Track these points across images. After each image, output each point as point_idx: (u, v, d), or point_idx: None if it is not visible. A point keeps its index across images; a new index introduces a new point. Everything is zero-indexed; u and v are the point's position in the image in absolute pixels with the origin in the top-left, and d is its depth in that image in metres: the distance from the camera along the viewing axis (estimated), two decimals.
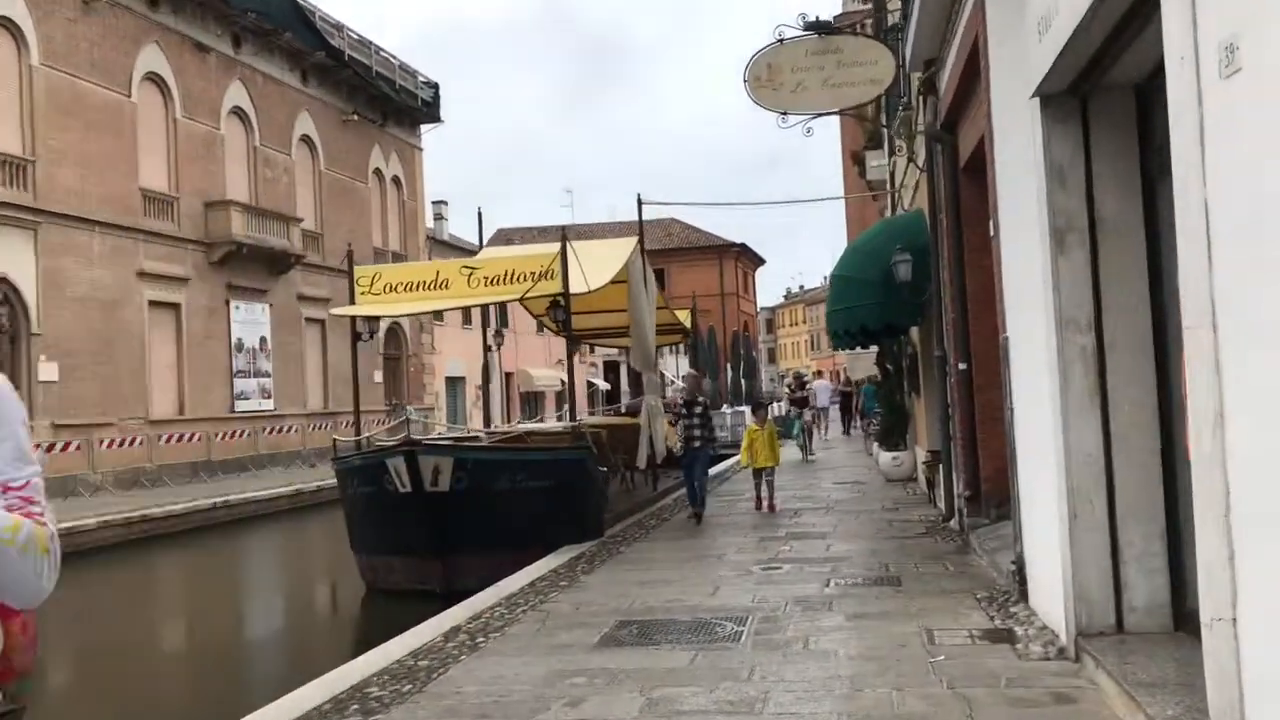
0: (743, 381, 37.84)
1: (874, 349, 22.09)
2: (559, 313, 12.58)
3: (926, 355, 14.96)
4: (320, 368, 34.26)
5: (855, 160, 34.61)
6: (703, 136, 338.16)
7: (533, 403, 52.78)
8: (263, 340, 31.27)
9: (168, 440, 26.33)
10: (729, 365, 39.29)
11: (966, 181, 10.80)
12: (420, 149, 42.38)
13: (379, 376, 38.01)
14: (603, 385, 61.60)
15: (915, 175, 14.33)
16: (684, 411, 12.91)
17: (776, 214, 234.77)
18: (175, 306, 27.81)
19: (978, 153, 9.93)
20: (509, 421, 36.92)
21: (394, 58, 39.17)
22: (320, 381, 34.22)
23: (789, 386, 35.24)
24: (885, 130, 17.16)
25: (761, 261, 75.78)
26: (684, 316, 20.72)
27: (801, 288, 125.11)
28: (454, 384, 45.25)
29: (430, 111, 41.58)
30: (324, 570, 17.64)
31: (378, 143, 38.80)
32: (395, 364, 39.75)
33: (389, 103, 38.85)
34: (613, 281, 15.99)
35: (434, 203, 45.99)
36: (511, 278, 12.57)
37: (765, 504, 13.62)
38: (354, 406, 14.30)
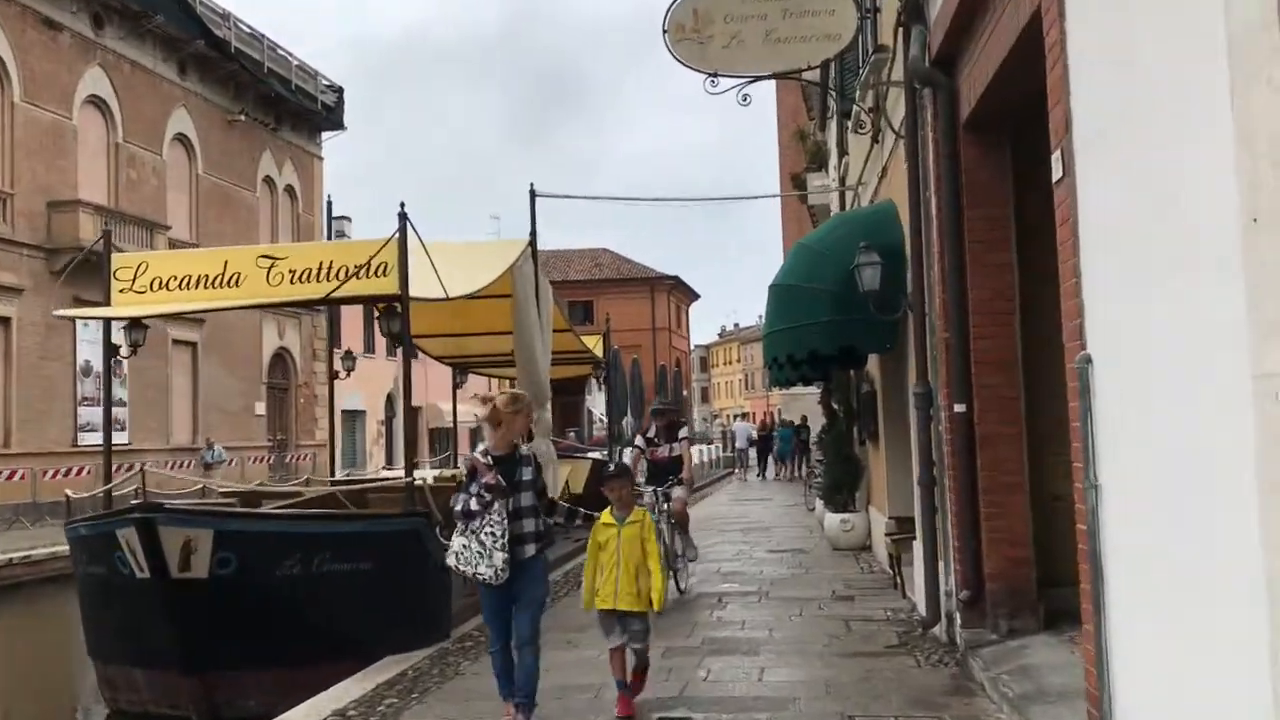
0: None
1: (816, 386, 18.76)
2: (392, 321, 9.01)
3: (890, 391, 11.59)
4: (189, 396, 30.18)
5: (795, 183, 31.65)
6: (658, 169, 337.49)
7: (443, 439, 48.84)
8: (116, 363, 27.11)
9: None
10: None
11: (972, 143, 7.46)
12: (320, 158, 38.58)
13: (261, 409, 34.00)
14: None
15: (882, 160, 11.03)
16: (465, 479, 6.22)
17: (713, 250, 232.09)
18: (3, 321, 23.70)
19: (994, 95, 6.62)
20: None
21: (291, 55, 35.45)
22: (189, 412, 30.12)
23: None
24: (832, 102, 13.78)
25: (696, 296, 72.66)
26: (594, 343, 17.23)
27: (736, 325, 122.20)
28: (352, 418, 41.23)
29: (332, 117, 37.84)
30: (63, 676, 12.63)
31: (269, 148, 34.95)
32: (283, 395, 35.73)
33: (284, 105, 35.08)
34: (496, 295, 12.55)
35: (335, 218, 42.10)
36: (328, 273, 9.01)
37: (627, 700, 6.35)
38: (105, 443, 10.58)
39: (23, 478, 23.10)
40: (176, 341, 29.36)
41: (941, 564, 8.04)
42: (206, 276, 9.15)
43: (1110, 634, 4.35)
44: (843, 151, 16.42)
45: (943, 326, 7.67)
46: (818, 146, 28.35)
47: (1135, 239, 3.82)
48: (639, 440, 11.90)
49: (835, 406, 14.98)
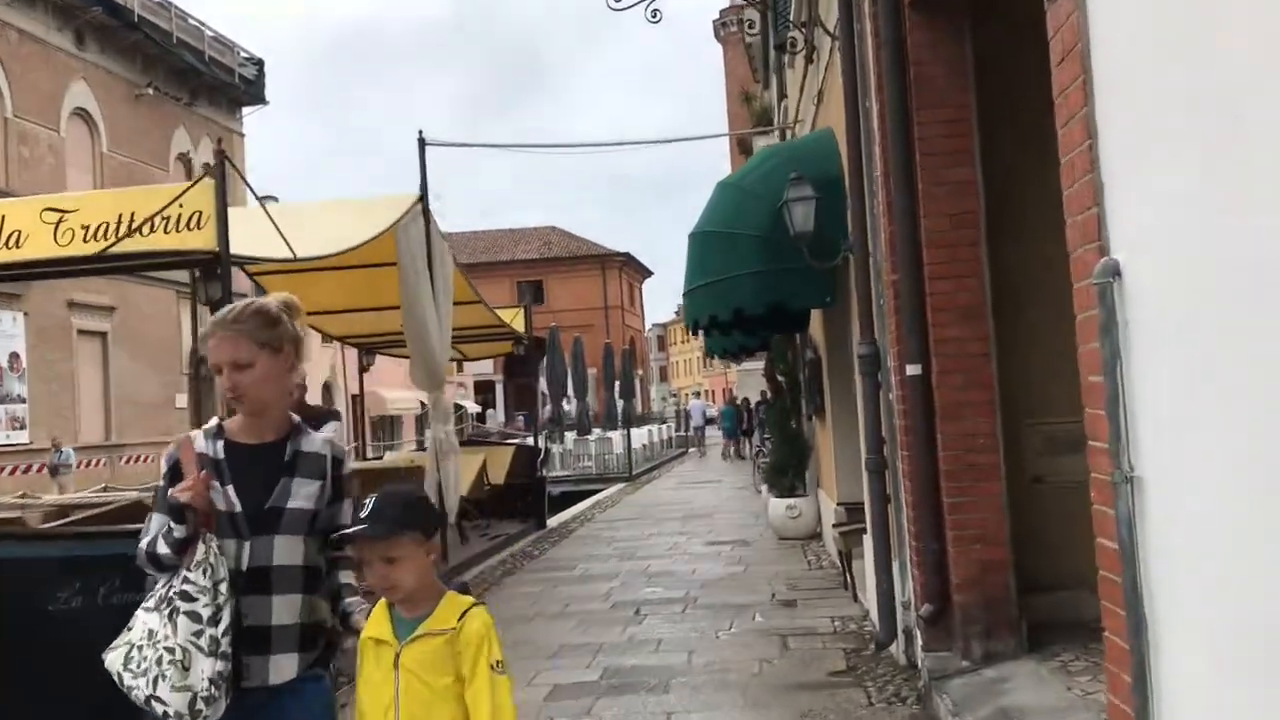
0: (619, 402, 32.61)
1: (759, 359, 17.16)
2: (212, 287, 7.21)
3: (834, 356, 9.95)
4: (100, 391, 28.12)
5: (742, 149, 30.11)
6: (615, 153, 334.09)
7: (388, 428, 46.92)
8: (13, 357, 25.07)
9: None
10: (602, 384, 34.10)
11: (921, 26, 5.78)
12: (241, 134, 36.37)
13: (182, 400, 31.87)
14: (472, 408, 55.85)
15: (818, 83, 9.33)
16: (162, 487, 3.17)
17: (669, 228, 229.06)
18: None
19: None
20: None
21: (205, 26, 33.21)
22: (100, 408, 28.06)
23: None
24: (771, 36, 12.08)
25: (649, 273, 70.82)
26: (512, 317, 15.44)
27: (690, 331, 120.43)
28: None
29: (252, 91, 35.65)
30: None
31: (183, 124, 32.74)
32: (209, 385, 33.56)
33: (198, 78, 32.86)
34: (388, 264, 10.85)
35: (263, 197, 39.86)
36: (128, 227, 7.19)
37: None
38: None
39: None
40: (82, 332, 27.28)
41: (897, 567, 6.41)
42: None
43: (1160, 681, 2.71)
44: (782, 95, 14.75)
45: (890, 267, 6.01)
46: (764, 109, 26.78)
47: (1192, 57, 2.16)
48: None
49: (780, 378, 13.35)
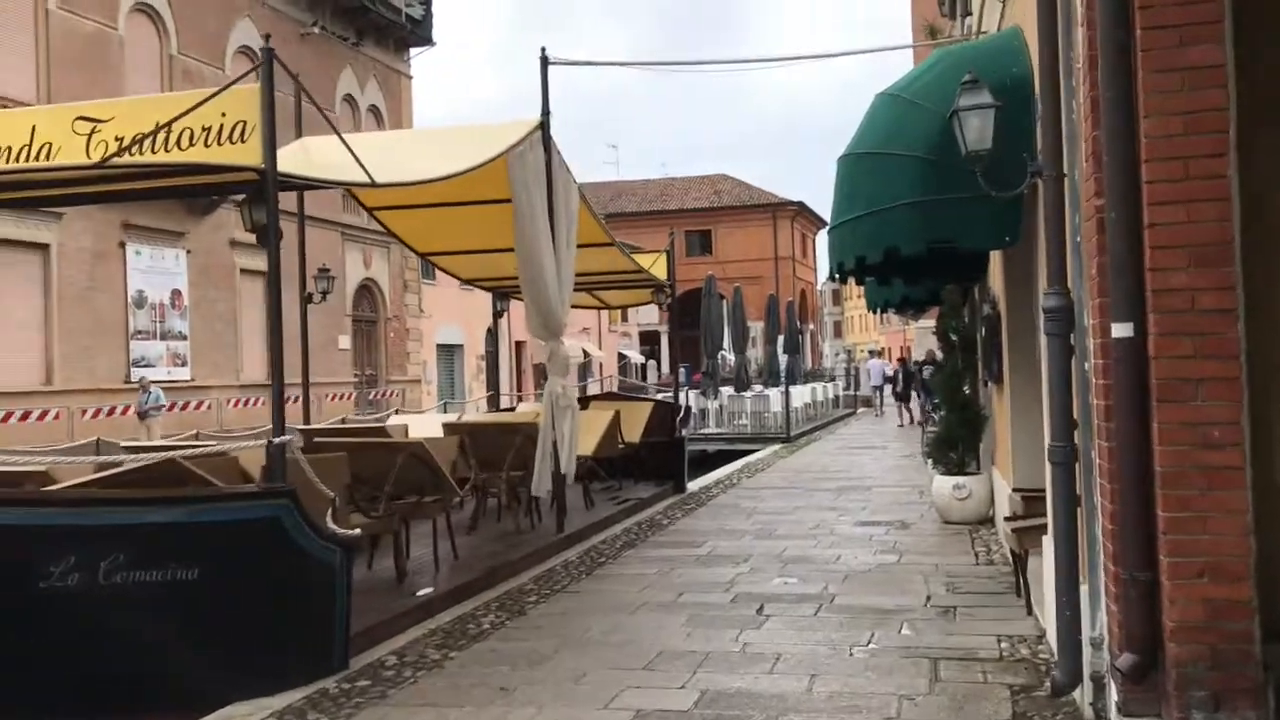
0: (782, 358, 30.91)
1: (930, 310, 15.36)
2: (258, 211, 6.12)
3: (1015, 310, 8.26)
4: (262, 330, 28.21)
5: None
6: (804, 100, 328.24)
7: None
8: (175, 294, 25.27)
9: (10, 419, 20.39)
10: (764, 337, 32.46)
11: None
12: (409, 76, 36.02)
13: (345, 342, 31.99)
14: (637, 358, 55.05)
15: None
16: None
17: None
18: (42, 248, 21.86)
19: None
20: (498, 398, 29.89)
21: None
22: (261, 348, 28.17)
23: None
24: None
25: (823, 223, 68.37)
26: (650, 263, 14.11)
27: (830, 277, 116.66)
28: (448, 353, 39.16)
29: (419, 31, 35.17)
30: None
31: (350, 65, 32.51)
32: (370, 329, 33.67)
33: (364, 16, 32.53)
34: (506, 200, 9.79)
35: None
36: (165, 140, 6.16)
37: None
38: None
39: (57, 417, 21.29)
40: (245, 271, 27.34)
41: (1086, 592, 4.83)
42: (9, 149, 6.43)
43: None
44: (966, 11, 12.87)
45: (1093, 189, 4.40)
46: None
47: None
48: None
49: (951, 337, 11.64)
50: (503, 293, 14.76)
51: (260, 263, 27.78)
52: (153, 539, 5.44)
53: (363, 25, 32.95)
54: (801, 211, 61.55)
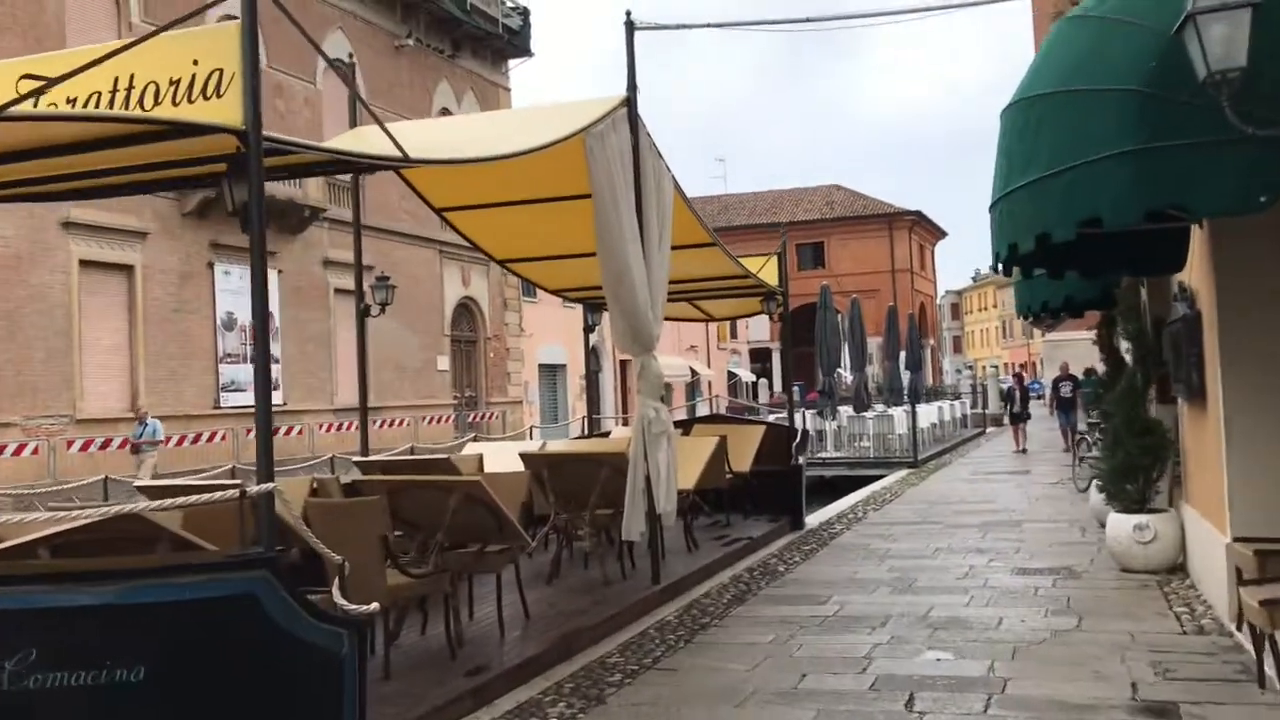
0: (904, 374, 28.82)
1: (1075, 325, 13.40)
2: (239, 187, 4.65)
3: (1235, 305, 6.37)
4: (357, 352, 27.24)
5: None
6: (912, 111, 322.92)
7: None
8: (270, 317, 24.42)
9: (90, 447, 19.59)
10: (883, 353, 30.38)
11: None
12: (507, 89, 35.02)
13: (444, 363, 30.96)
14: (747, 376, 53.16)
15: None
16: None
17: (960, 196, 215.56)
18: (125, 269, 21.15)
19: None
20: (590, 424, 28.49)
21: None
22: (357, 370, 27.20)
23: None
24: None
25: (942, 234, 65.62)
26: (758, 266, 12.40)
27: (993, 268, 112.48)
28: (551, 373, 37.86)
29: (517, 42, 34.12)
30: None
31: (446, 77, 31.60)
32: (469, 349, 32.60)
33: (459, 28, 31.59)
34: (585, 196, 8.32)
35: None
36: (127, 96, 4.77)
37: None
38: None
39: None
40: (339, 291, 26.42)
41: None
42: None
43: None
44: None
45: None
46: None
47: None
48: None
49: (1126, 343, 9.68)
50: (594, 304, 13.23)
51: (352, 281, 27.04)
52: (80, 628, 3.98)
53: (458, 37, 32.07)
54: (920, 221, 59.04)
